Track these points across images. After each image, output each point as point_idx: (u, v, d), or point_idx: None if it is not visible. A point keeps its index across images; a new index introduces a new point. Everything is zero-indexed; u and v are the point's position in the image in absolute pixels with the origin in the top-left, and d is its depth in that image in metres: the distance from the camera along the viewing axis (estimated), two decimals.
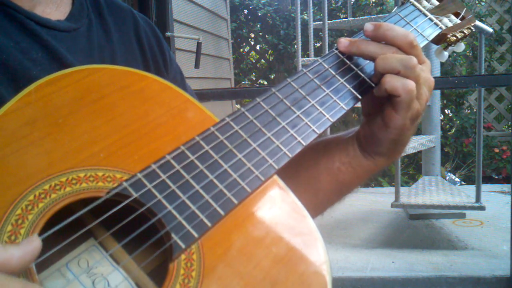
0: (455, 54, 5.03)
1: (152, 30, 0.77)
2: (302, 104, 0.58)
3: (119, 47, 0.69)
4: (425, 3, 0.71)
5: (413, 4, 0.70)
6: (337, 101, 0.60)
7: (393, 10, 0.70)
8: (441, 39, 0.71)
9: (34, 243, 0.37)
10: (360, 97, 0.61)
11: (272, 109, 0.56)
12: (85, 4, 0.69)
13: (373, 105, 0.64)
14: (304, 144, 0.55)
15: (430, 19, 0.70)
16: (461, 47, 0.72)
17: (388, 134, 0.61)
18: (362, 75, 0.62)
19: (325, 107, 0.59)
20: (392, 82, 0.57)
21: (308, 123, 0.57)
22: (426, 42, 0.68)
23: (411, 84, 0.57)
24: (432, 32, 0.69)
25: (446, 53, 0.73)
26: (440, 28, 0.70)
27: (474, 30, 0.72)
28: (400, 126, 0.60)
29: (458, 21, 0.72)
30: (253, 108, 0.55)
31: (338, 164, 0.66)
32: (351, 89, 0.61)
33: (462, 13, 0.73)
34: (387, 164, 0.67)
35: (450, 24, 0.71)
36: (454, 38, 0.70)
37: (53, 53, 0.60)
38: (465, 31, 0.70)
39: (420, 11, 0.70)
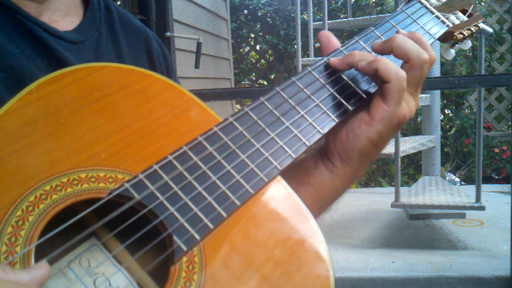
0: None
1: (162, 51, 0.78)
2: (306, 104, 0.57)
3: (130, 62, 0.69)
4: (432, 0, 0.70)
5: (420, 1, 0.69)
6: (342, 101, 0.59)
7: (399, 7, 0.68)
8: (447, 37, 0.70)
9: (43, 269, 0.39)
10: (365, 96, 0.60)
11: (276, 109, 0.55)
12: (99, 18, 0.68)
13: None
14: (309, 144, 0.54)
15: (437, 17, 0.69)
16: (467, 44, 0.71)
17: (369, 130, 0.57)
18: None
19: (330, 106, 0.58)
20: (386, 64, 0.56)
21: (313, 123, 0.56)
22: (432, 40, 0.67)
23: (403, 73, 0.56)
24: (439, 30, 0.68)
25: (452, 51, 0.72)
26: (447, 26, 0.69)
27: (481, 27, 0.71)
28: (385, 121, 0.57)
29: (465, 18, 0.71)
30: (257, 107, 0.55)
31: (294, 185, 0.59)
32: (356, 88, 0.60)
33: (470, 10, 0.71)
34: (347, 182, 0.62)
35: (457, 22, 0.70)
36: (461, 35, 0.68)
37: (60, 60, 0.60)
38: (472, 29, 0.69)
39: (427, 8, 0.69)
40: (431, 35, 0.67)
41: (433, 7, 0.69)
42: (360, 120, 0.58)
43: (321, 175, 0.62)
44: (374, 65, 0.56)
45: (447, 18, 0.69)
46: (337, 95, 0.59)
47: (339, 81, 0.60)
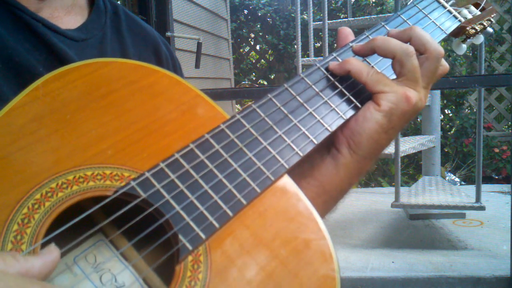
0: (455, 54, 5.03)
1: (171, 55, 0.78)
2: (314, 101, 0.56)
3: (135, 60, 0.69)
4: None
5: None
6: (351, 98, 0.58)
7: (410, 2, 0.67)
8: (459, 32, 0.69)
9: (54, 253, 0.39)
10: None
11: (284, 106, 0.55)
12: (104, 19, 0.68)
13: None
14: (316, 142, 0.54)
15: (449, 11, 0.68)
16: (480, 39, 0.70)
17: (378, 114, 0.57)
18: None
19: (339, 104, 0.57)
20: (356, 65, 0.58)
21: (321, 120, 0.55)
22: (444, 35, 0.66)
23: (371, 70, 0.58)
24: (451, 25, 0.67)
25: (464, 46, 0.71)
26: (459, 20, 0.68)
27: (493, 21, 0.70)
28: (392, 104, 0.57)
29: (478, 12, 0.70)
30: (265, 104, 0.54)
31: (297, 179, 0.57)
32: None
33: (482, 4, 0.70)
34: (354, 173, 0.61)
35: (469, 16, 0.69)
36: (473, 30, 0.67)
37: (59, 55, 0.59)
38: (484, 23, 0.68)
39: (439, 2, 0.68)
40: (442, 30, 0.66)
41: (445, 1, 0.68)
42: (369, 104, 0.58)
43: (326, 166, 0.60)
44: (345, 66, 0.58)
45: (459, 13, 0.68)
46: (346, 92, 0.58)
47: (348, 78, 0.59)
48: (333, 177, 0.60)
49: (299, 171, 0.60)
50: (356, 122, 0.58)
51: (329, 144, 0.61)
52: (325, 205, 0.62)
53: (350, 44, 0.61)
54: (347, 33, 0.63)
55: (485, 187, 3.36)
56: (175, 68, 0.77)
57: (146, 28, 0.75)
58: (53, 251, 0.39)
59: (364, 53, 0.60)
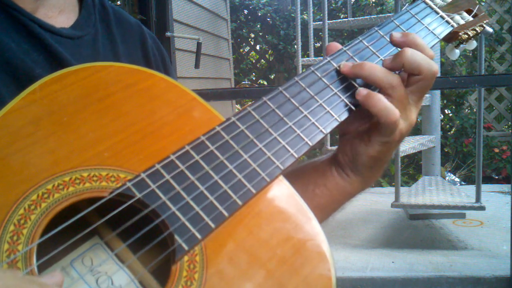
0: None
1: (158, 47, 0.78)
2: (309, 103, 0.57)
3: (125, 59, 0.70)
4: (437, 0, 0.70)
5: (424, 1, 0.69)
6: (346, 101, 0.58)
7: (404, 8, 0.68)
8: (452, 37, 0.70)
9: (60, 276, 0.39)
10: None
11: (279, 108, 0.55)
12: (94, 15, 0.69)
13: (352, 123, 0.63)
14: (311, 144, 0.54)
15: (442, 17, 0.69)
16: (472, 44, 0.71)
17: (369, 149, 0.60)
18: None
19: (333, 106, 0.58)
20: (378, 101, 0.56)
21: (316, 123, 0.56)
22: (437, 40, 0.67)
23: (395, 111, 0.56)
24: (444, 30, 0.68)
25: (457, 51, 0.72)
26: (452, 26, 0.69)
27: (485, 27, 0.70)
28: (382, 143, 0.59)
29: (470, 18, 0.71)
30: (260, 107, 0.55)
31: (312, 187, 0.64)
32: (360, 88, 0.60)
33: (475, 10, 0.71)
34: (362, 187, 0.65)
35: (462, 22, 0.70)
36: (466, 36, 0.68)
37: (56, 56, 0.60)
38: (477, 29, 0.69)
39: (432, 8, 0.68)
40: (435, 35, 0.67)
41: (438, 7, 0.69)
42: (360, 139, 0.61)
43: (336, 180, 0.64)
44: (368, 103, 0.56)
45: (452, 18, 0.69)
46: (340, 95, 0.59)
47: (342, 81, 0.59)
48: (342, 190, 0.65)
49: (313, 180, 0.65)
50: (351, 154, 0.62)
51: (336, 164, 0.65)
52: (334, 211, 0.67)
53: (344, 48, 0.62)
54: (335, 48, 0.62)
55: (485, 187, 3.36)
56: (164, 62, 0.78)
57: (132, 22, 0.76)
58: (59, 274, 0.39)
59: (393, 69, 0.59)
